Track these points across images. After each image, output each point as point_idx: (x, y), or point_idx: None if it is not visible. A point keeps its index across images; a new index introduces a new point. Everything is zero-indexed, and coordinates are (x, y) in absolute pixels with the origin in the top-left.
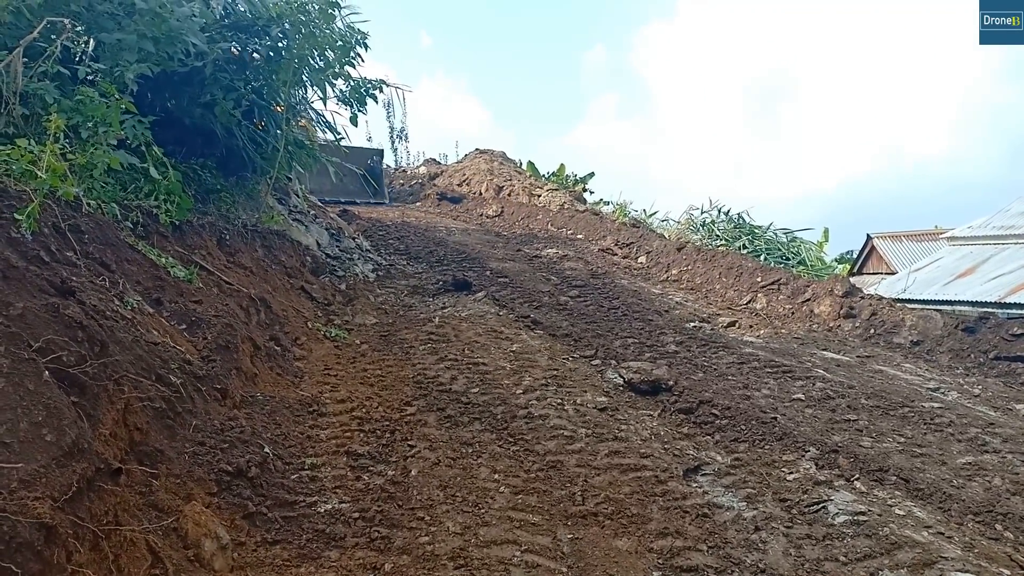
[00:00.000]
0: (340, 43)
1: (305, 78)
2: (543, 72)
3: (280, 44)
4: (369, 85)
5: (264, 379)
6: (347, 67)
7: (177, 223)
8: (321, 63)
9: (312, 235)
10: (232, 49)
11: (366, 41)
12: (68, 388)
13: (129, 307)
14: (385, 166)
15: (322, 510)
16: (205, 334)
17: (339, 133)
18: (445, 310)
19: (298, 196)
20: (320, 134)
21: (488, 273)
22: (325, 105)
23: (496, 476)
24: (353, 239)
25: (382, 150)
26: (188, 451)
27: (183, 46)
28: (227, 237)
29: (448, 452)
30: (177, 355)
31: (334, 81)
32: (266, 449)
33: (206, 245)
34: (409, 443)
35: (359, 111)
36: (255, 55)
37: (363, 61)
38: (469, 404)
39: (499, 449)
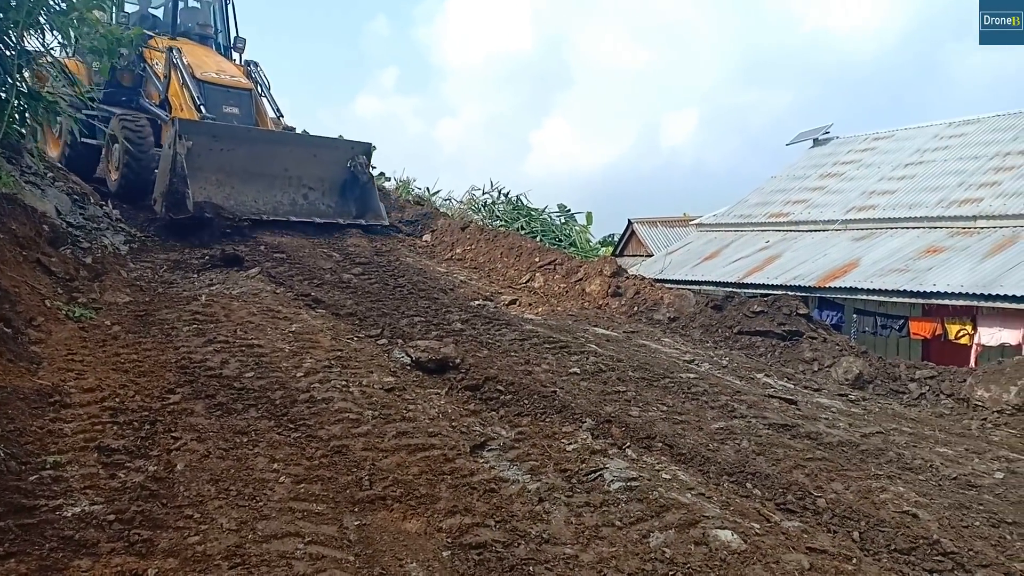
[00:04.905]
0: None
1: (43, 20)
2: (320, 37)
3: None
4: (122, 34)
5: None
6: (95, 11)
7: None
8: (64, 5)
9: (50, 200)
10: None
11: None
12: None
13: None
14: None
15: (69, 514)
16: None
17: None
18: (213, 287)
19: (32, 156)
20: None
21: (262, 248)
22: (69, 53)
23: (275, 466)
24: (101, 206)
25: (369, 145)
26: None
27: None
28: None
29: (220, 443)
30: None
31: (79, 26)
32: None
33: None
34: (173, 435)
35: (112, 63)
36: None
37: (113, 6)
38: (243, 390)
39: (278, 437)
